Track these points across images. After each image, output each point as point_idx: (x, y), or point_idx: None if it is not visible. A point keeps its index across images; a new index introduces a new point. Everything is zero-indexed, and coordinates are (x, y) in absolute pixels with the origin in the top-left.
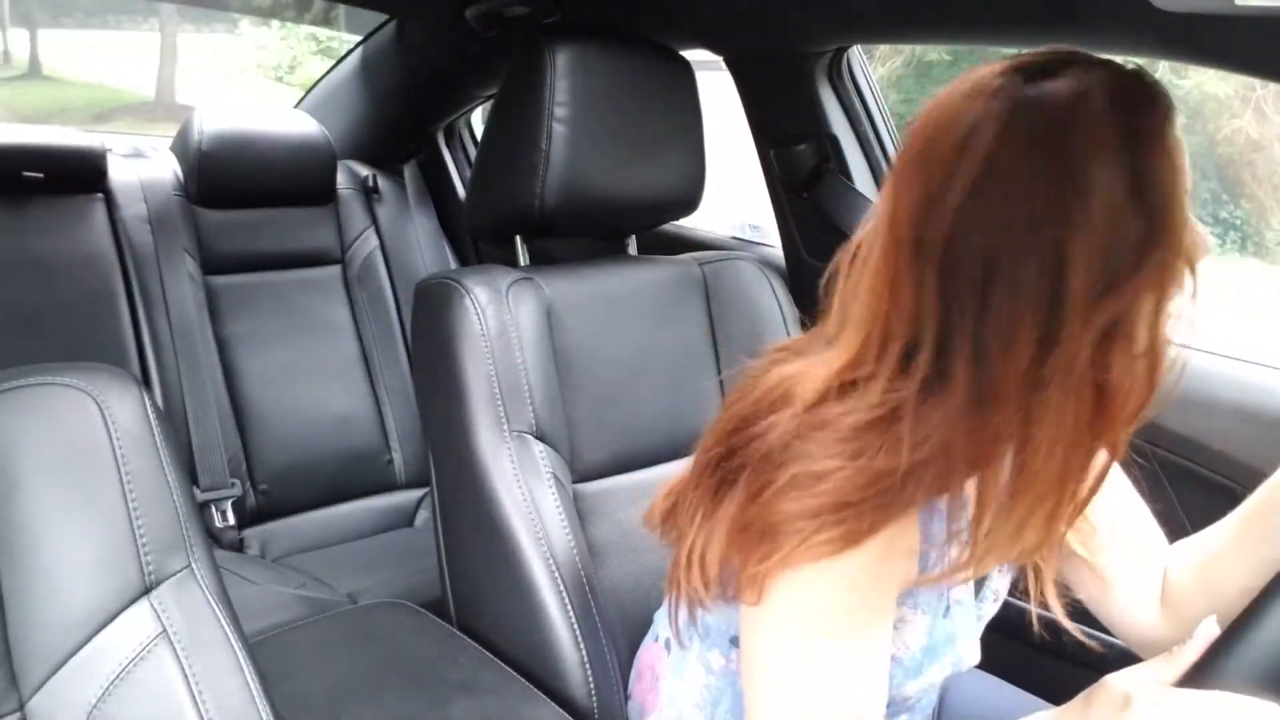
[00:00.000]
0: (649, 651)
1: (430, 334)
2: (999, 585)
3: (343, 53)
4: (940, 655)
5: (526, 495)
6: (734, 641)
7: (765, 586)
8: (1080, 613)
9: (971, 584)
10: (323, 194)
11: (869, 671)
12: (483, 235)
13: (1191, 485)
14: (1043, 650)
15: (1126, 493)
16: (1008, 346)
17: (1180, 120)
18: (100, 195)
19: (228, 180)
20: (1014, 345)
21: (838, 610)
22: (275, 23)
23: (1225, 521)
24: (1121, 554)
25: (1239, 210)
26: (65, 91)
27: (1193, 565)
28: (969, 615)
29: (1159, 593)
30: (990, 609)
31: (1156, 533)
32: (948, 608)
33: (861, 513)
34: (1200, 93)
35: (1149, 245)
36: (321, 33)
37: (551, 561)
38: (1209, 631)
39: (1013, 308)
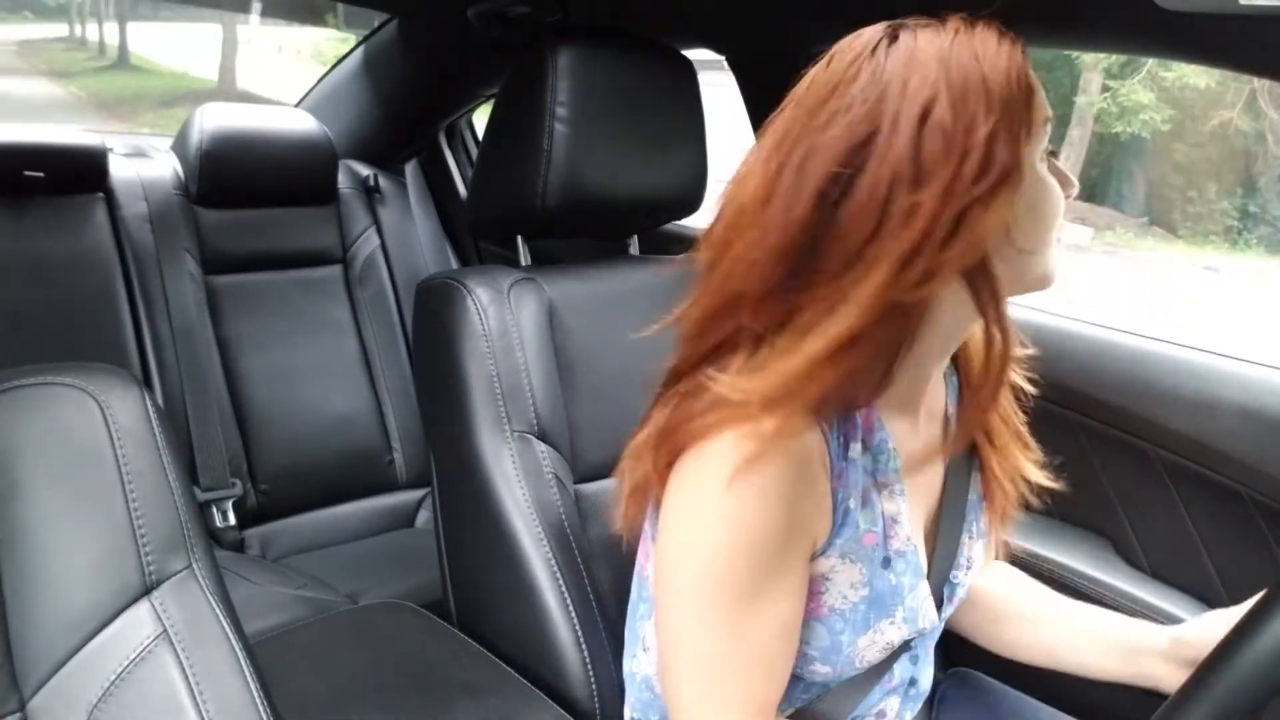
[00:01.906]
0: None
1: (431, 334)
2: (973, 553)
3: None
4: (889, 609)
5: (528, 495)
6: None
7: (672, 476)
8: None
9: (912, 536)
10: (324, 193)
11: (766, 638)
12: (484, 235)
13: (1196, 486)
14: None
15: None
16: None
17: (1169, 113)
18: (101, 194)
19: (228, 179)
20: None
21: (737, 569)
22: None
23: (1104, 620)
24: None
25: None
26: (146, 80)
27: (1048, 619)
28: (914, 569)
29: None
30: (966, 577)
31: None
32: (887, 559)
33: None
34: (1183, 84)
35: None
36: None
37: (553, 562)
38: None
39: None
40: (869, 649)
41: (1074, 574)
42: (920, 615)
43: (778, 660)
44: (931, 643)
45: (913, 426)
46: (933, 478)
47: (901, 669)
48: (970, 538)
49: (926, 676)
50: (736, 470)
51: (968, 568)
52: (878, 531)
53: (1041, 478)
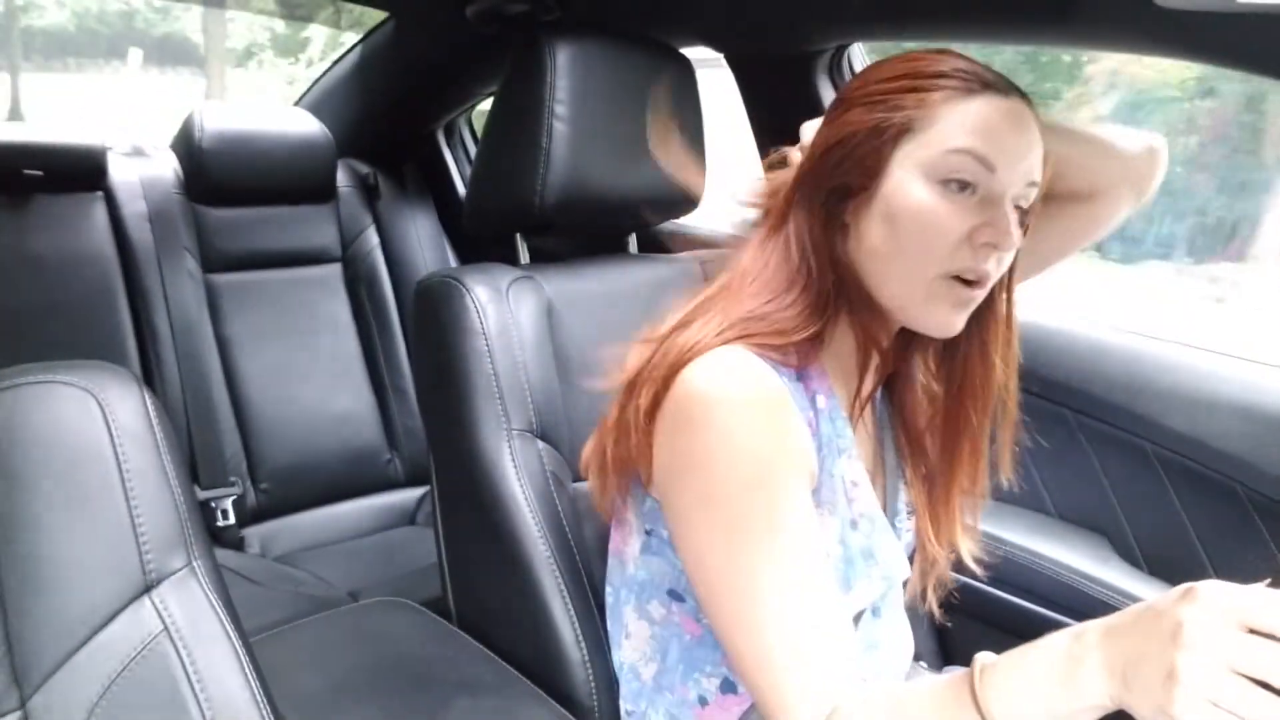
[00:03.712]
0: None
1: (430, 332)
2: (911, 498)
3: None
4: (863, 568)
5: (527, 494)
6: (671, 594)
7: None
8: (1055, 603)
9: (876, 497)
10: (323, 192)
11: (800, 554)
12: (483, 233)
13: (1193, 484)
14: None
15: None
16: None
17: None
18: (100, 193)
19: (228, 178)
20: None
21: (745, 493)
22: None
23: None
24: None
25: None
26: None
27: None
28: (881, 529)
29: None
30: (909, 523)
31: None
32: (853, 521)
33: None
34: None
35: None
36: None
37: (552, 560)
38: None
39: None
40: (851, 608)
41: (1072, 572)
42: (894, 573)
43: (819, 579)
44: (896, 599)
45: (851, 388)
46: (864, 436)
47: (864, 628)
48: (905, 484)
49: (891, 640)
50: (726, 384)
51: (909, 513)
52: (842, 492)
53: (972, 544)
